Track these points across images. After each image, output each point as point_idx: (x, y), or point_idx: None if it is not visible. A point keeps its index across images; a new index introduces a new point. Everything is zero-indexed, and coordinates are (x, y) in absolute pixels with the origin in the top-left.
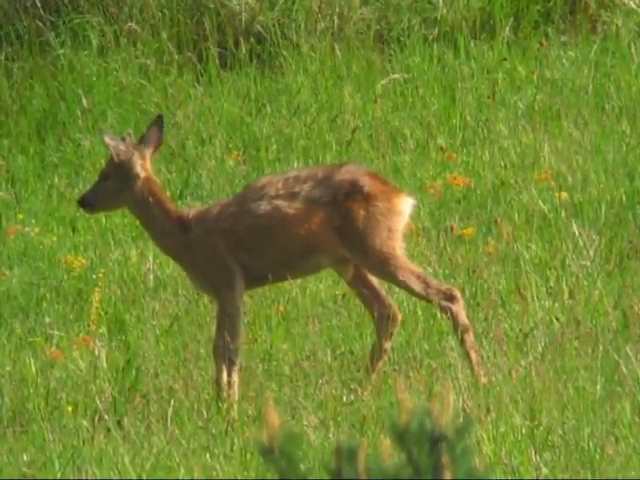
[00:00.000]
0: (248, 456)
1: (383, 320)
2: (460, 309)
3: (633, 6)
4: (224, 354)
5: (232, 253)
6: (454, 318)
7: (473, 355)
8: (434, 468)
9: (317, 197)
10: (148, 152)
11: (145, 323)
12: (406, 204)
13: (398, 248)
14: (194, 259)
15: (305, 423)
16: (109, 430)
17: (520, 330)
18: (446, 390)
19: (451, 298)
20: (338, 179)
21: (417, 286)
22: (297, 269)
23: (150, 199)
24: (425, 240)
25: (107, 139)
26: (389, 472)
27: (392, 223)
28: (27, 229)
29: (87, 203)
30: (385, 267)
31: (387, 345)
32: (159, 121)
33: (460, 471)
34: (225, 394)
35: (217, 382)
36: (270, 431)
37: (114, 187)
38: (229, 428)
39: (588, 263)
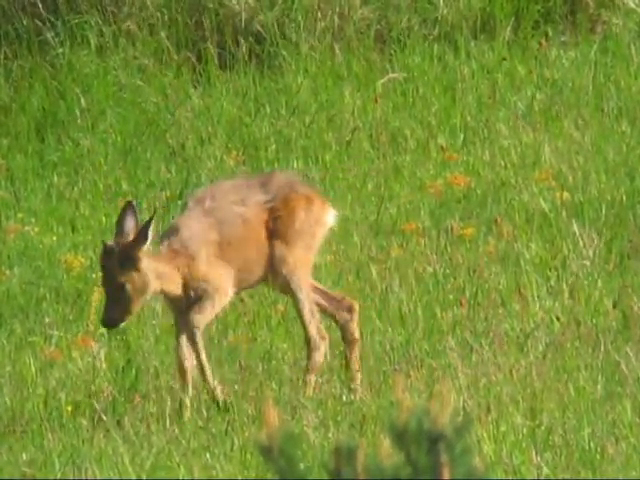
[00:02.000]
0: (248, 456)
1: (341, 312)
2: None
3: (633, 6)
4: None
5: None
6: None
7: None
8: (433, 468)
9: (263, 202)
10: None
11: (145, 323)
12: (331, 215)
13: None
14: (197, 274)
15: (305, 423)
16: (109, 430)
17: (520, 330)
18: (446, 389)
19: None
20: (276, 186)
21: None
22: (258, 276)
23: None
24: (425, 240)
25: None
26: (388, 472)
27: (317, 231)
28: (27, 228)
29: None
30: (295, 273)
31: (355, 332)
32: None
33: (459, 470)
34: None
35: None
36: (269, 431)
37: None
38: (229, 428)
39: (588, 263)
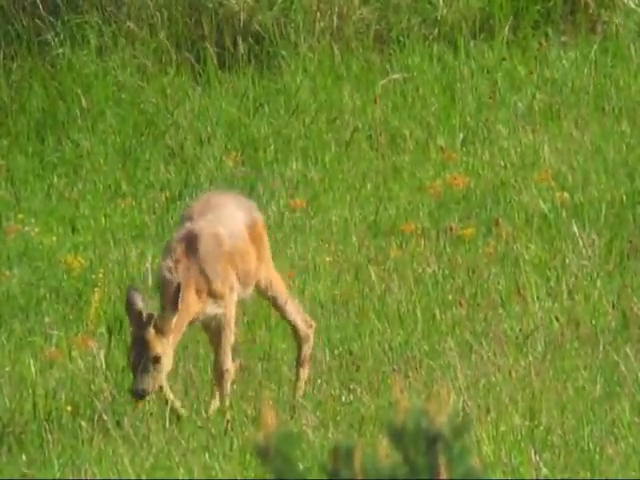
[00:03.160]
0: (247, 456)
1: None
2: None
3: (633, 6)
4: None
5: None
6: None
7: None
8: (430, 468)
9: (246, 223)
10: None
11: None
12: None
13: None
14: (215, 292)
15: (304, 423)
16: (108, 430)
17: (520, 330)
18: (445, 390)
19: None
20: (245, 207)
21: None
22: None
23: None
24: (425, 240)
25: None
26: (385, 472)
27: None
28: (27, 229)
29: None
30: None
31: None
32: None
33: (457, 471)
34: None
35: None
36: (266, 431)
37: None
38: (228, 428)
39: (588, 263)
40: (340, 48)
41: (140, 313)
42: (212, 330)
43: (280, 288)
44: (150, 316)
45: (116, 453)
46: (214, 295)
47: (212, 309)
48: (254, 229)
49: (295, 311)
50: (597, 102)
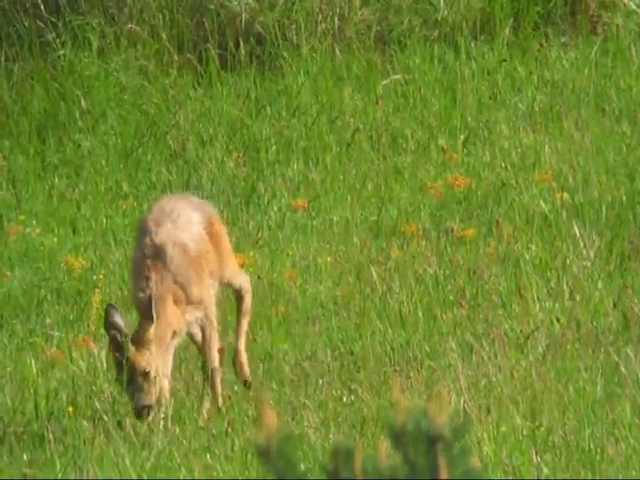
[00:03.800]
0: (249, 456)
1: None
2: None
3: (633, 7)
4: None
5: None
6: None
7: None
8: (431, 468)
9: (202, 224)
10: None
11: None
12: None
13: None
14: (193, 297)
15: (306, 423)
16: (109, 430)
17: (521, 331)
18: (445, 390)
19: None
20: (200, 208)
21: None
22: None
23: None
24: (426, 241)
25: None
26: (385, 473)
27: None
28: (28, 230)
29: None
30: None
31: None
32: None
33: (457, 471)
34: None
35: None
36: (267, 432)
37: None
38: (229, 428)
39: (588, 264)
40: (341, 49)
41: (116, 337)
42: (195, 333)
43: (238, 276)
44: (125, 336)
45: (117, 453)
46: (193, 301)
47: (193, 314)
48: (212, 228)
49: (242, 278)
50: (597, 103)
